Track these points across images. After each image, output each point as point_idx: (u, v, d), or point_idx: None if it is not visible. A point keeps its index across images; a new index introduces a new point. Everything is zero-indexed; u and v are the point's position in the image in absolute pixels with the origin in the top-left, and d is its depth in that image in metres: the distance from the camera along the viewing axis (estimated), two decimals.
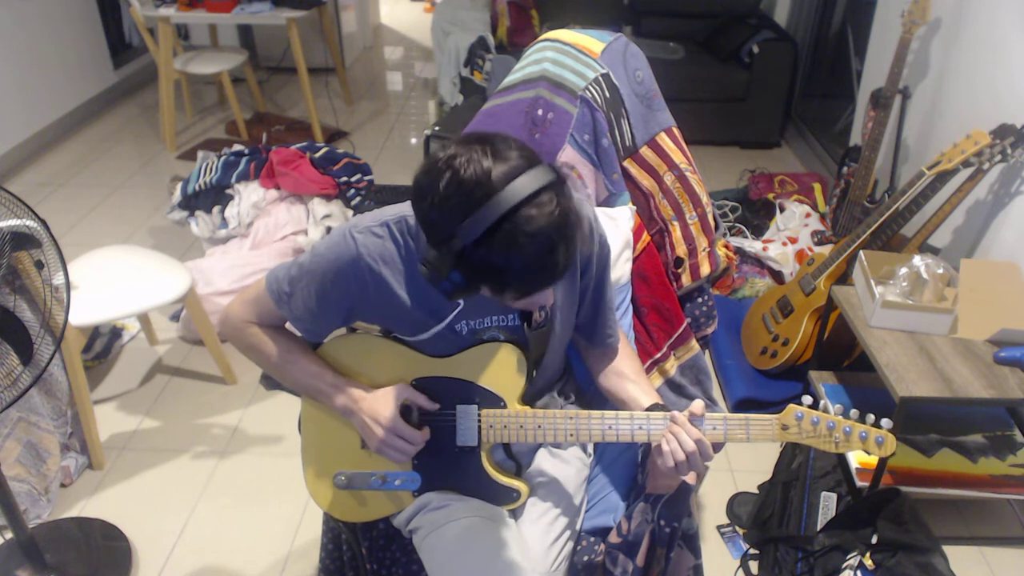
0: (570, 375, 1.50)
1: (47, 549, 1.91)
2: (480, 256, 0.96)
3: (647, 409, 1.26)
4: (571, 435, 1.23)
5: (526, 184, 0.95)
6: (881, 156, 2.92)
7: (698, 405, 1.18)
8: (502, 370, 1.25)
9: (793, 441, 1.19)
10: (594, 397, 1.51)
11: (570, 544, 1.35)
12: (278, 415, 2.45)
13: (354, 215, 3.03)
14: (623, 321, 1.60)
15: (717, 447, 1.19)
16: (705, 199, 1.71)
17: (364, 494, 1.34)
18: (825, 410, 1.17)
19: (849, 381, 2.25)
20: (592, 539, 1.40)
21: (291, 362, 1.27)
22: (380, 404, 1.23)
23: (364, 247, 1.18)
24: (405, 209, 1.20)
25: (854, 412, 1.16)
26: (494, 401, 1.26)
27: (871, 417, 1.15)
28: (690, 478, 1.40)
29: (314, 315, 1.23)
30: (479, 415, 1.26)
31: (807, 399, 1.17)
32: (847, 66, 3.97)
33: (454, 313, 1.23)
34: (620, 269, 1.59)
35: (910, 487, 1.93)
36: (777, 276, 2.94)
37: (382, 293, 1.20)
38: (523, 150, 0.99)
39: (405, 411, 1.24)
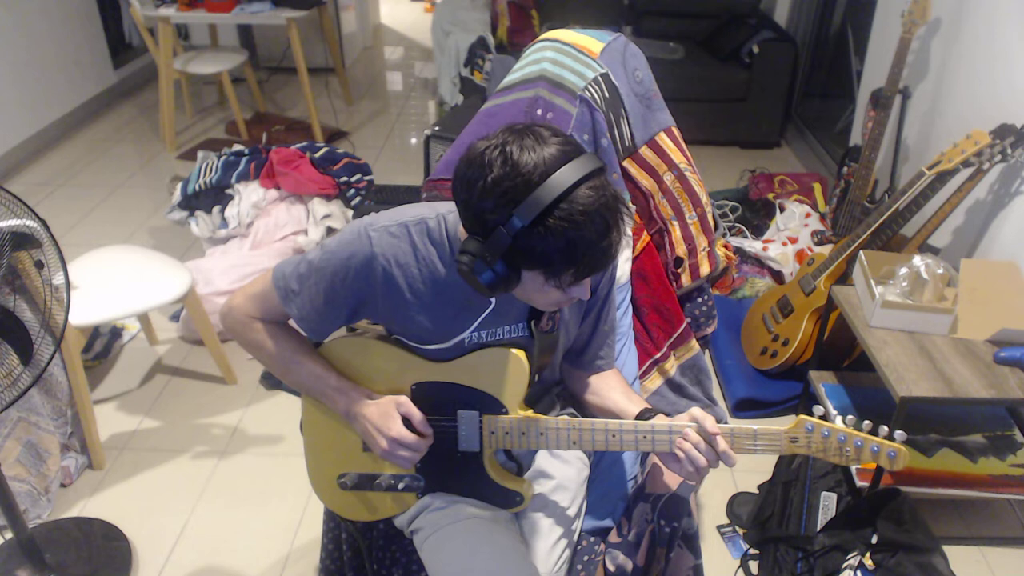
0: None
1: (47, 549, 1.91)
2: (536, 238, 0.97)
3: (637, 416, 1.24)
4: (574, 443, 1.22)
5: (579, 166, 0.97)
6: (881, 156, 2.92)
7: (701, 415, 1.15)
8: (505, 376, 1.23)
9: (802, 454, 1.15)
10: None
11: (571, 545, 1.35)
12: (278, 415, 2.45)
13: (354, 215, 3.03)
14: (623, 321, 1.59)
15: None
16: (705, 199, 1.71)
17: (368, 494, 1.34)
18: (835, 421, 1.13)
19: (849, 381, 2.25)
20: (592, 539, 1.40)
21: (295, 363, 1.25)
22: (383, 412, 1.21)
23: (379, 246, 1.15)
24: (425, 211, 1.17)
25: (866, 424, 1.11)
26: (496, 407, 1.24)
27: (884, 429, 1.10)
28: (690, 478, 1.40)
29: (321, 314, 1.21)
30: (481, 421, 1.25)
31: (818, 410, 1.12)
32: (847, 66, 3.97)
33: (466, 332, 1.21)
34: (620, 269, 1.59)
35: (910, 487, 1.93)
36: (777, 276, 2.94)
37: (391, 296, 1.18)
38: (567, 137, 1.01)
39: (407, 418, 1.23)
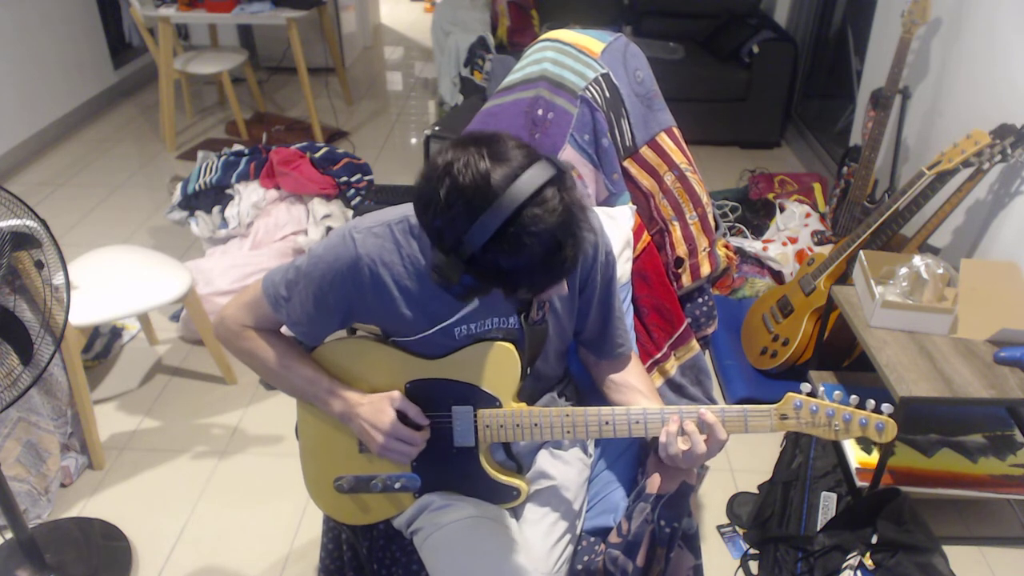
0: (570, 378, 1.50)
1: (47, 549, 1.91)
2: (489, 260, 0.96)
3: None
4: (568, 431, 1.23)
5: (527, 183, 0.94)
6: (881, 156, 2.92)
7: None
8: (496, 369, 1.24)
9: (792, 430, 1.18)
10: (595, 401, 1.50)
11: (571, 545, 1.35)
12: (278, 415, 2.45)
13: (354, 215, 3.03)
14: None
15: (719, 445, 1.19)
16: (705, 199, 1.71)
17: (365, 497, 1.34)
18: (823, 398, 1.16)
19: (849, 381, 2.25)
20: (592, 539, 1.39)
21: (287, 368, 1.26)
22: (377, 409, 1.22)
23: (363, 248, 1.17)
24: (407, 210, 1.19)
25: (853, 398, 1.16)
26: (489, 401, 1.25)
27: (871, 403, 1.14)
28: (690, 478, 1.40)
29: (312, 319, 1.23)
30: (475, 415, 1.26)
31: (805, 387, 1.16)
32: (847, 66, 3.97)
33: (454, 318, 1.22)
34: (620, 269, 1.59)
35: (910, 487, 1.93)
36: (777, 276, 2.94)
37: (380, 295, 1.19)
38: (521, 147, 0.98)
39: (402, 413, 1.24)
